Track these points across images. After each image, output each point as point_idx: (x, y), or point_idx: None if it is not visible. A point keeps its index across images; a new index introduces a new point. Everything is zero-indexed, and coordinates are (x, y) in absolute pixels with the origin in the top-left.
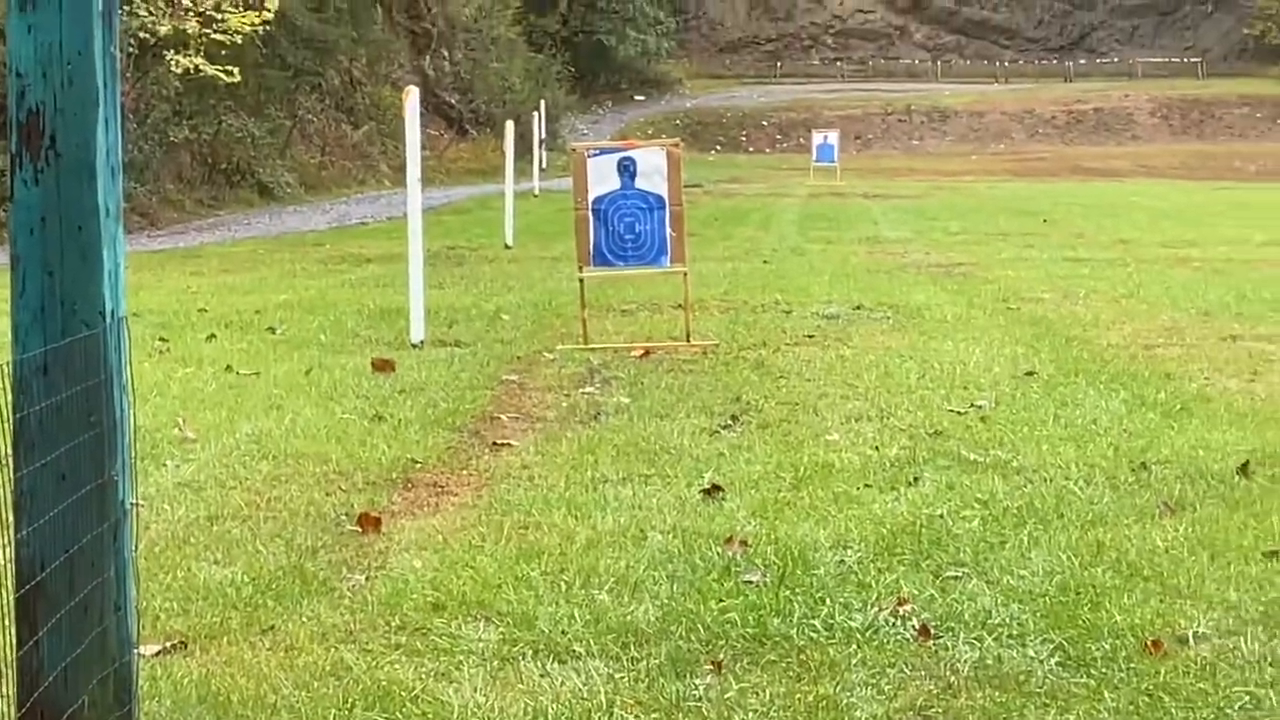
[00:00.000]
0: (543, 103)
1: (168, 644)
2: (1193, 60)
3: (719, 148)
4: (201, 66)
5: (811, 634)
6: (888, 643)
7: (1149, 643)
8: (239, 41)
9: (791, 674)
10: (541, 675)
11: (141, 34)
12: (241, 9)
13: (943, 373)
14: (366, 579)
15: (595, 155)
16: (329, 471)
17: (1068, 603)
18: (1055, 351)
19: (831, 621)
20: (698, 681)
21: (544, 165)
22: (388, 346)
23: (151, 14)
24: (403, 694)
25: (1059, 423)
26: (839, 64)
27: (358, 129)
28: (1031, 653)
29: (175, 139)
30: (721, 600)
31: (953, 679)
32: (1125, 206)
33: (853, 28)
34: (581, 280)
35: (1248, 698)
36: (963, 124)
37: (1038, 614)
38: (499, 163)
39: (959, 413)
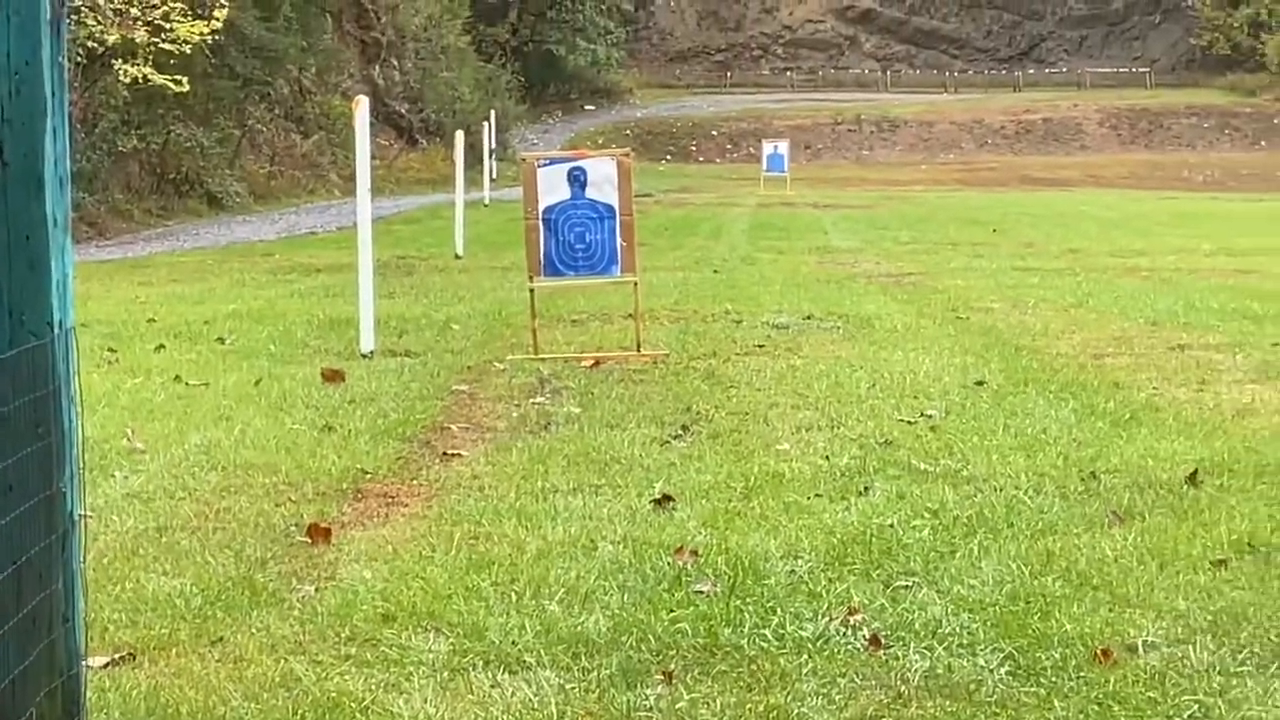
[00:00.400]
0: (493, 112)
1: (116, 656)
2: (1141, 71)
3: (669, 157)
4: (150, 76)
5: (762, 644)
6: (838, 652)
7: (1098, 651)
8: (188, 51)
9: (742, 684)
10: (492, 686)
11: (90, 43)
12: (190, 18)
13: (893, 382)
14: (316, 590)
15: (545, 165)
16: (278, 482)
17: (1018, 612)
18: (1005, 361)
19: (782, 631)
20: (649, 692)
21: (494, 175)
22: (337, 357)
23: (99, 23)
24: (352, 705)
25: (1009, 432)
26: (789, 74)
27: (307, 139)
28: (982, 662)
29: (124, 149)
30: (672, 610)
31: (903, 688)
32: (1074, 216)
33: (803, 38)
34: (532, 290)
35: (1196, 706)
36: (912, 134)
37: (988, 623)
38: (449, 172)
39: (909, 422)
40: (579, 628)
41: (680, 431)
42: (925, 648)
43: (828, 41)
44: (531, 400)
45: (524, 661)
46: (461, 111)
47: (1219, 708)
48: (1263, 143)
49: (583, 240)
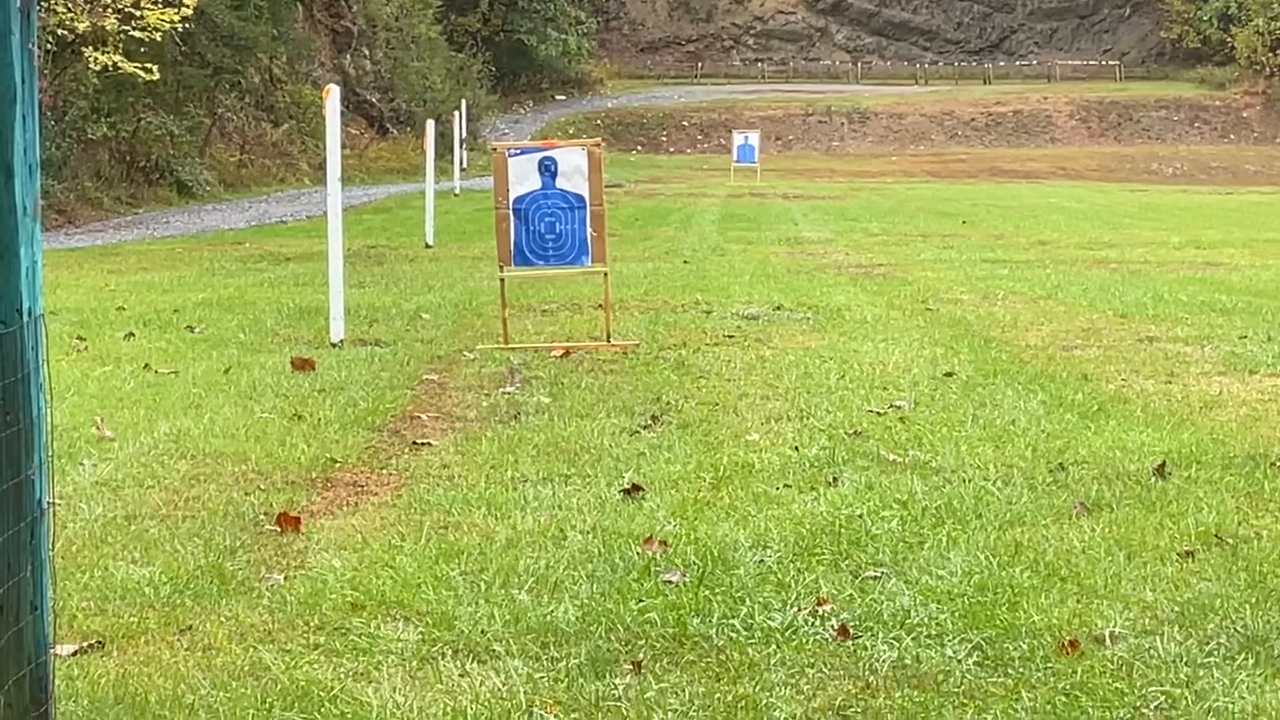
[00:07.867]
0: (464, 102)
1: (85, 644)
2: (1111, 63)
3: (640, 148)
4: (120, 64)
5: (731, 634)
6: (807, 642)
7: (1066, 642)
8: (158, 39)
9: (711, 674)
10: (461, 675)
11: (60, 30)
12: (160, 6)
13: (862, 373)
14: (285, 579)
15: (516, 155)
16: (248, 471)
17: (986, 603)
18: (974, 352)
19: (751, 621)
20: (617, 681)
21: (465, 164)
22: (307, 345)
23: (70, 10)
24: (321, 694)
25: (977, 423)
26: (760, 65)
27: (278, 127)
28: (950, 652)
29: (93, 136)
30: (641, 600)
31: (871, 679)
32: (1044, 208)
33: (773, 29)
34: (502, 280)
35: (1163, 697)
36: (882, 125)
37: (956, 614)
38: (419, 162)
39: (878, 413)
40: (548, 617)
41: (650, 421)
42: (893, 638)
43: (798, 33)
44: (501, 390)
45: (493, 651)
46: (432, 101)
47: (1186, 698)
48: (1231, 136)
49: (553, 230)
